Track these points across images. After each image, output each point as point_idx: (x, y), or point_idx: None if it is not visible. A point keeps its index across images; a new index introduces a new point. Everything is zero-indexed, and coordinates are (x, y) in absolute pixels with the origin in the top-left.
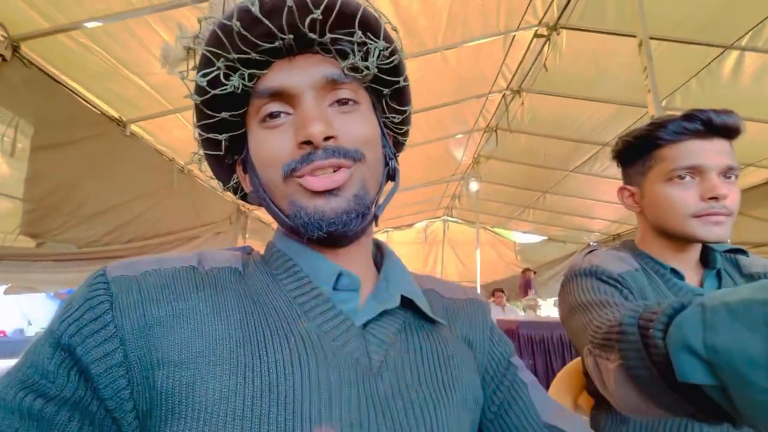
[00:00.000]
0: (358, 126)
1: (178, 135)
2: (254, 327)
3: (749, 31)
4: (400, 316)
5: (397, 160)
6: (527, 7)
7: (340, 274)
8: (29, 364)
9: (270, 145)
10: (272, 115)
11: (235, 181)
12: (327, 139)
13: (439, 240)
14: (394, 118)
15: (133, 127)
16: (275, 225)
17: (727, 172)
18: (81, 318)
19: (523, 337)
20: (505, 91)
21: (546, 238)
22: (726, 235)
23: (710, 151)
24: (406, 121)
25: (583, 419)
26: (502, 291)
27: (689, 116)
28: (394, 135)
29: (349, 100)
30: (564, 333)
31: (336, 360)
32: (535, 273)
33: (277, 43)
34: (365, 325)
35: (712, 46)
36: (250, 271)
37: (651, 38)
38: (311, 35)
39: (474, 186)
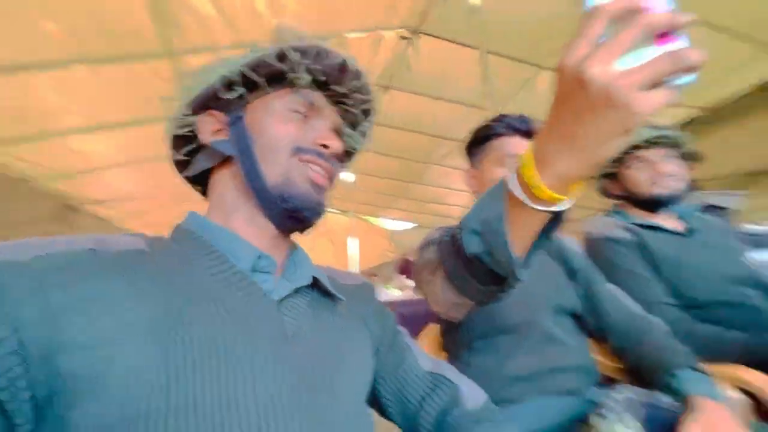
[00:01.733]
0: (344, 147)
1: None
2: (174, 304)
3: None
4: (308, 294)
5: None
6: (392, 9)
7: (259, 256)
8: None
9: (294, 126)
10: (299, 112)
11: (191, 121)
12: (335, 152)
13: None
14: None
15: None
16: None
17: None
18: None
19: (398, 314)
20: (375, 86)
21: (416, 225)
22: None
23: (522, 145)
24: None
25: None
26: (375, 275)
27: (517, 117)
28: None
29: (342, 124)
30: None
31: (257, 330)
32: (406, 256)
33: (335, 88)
34: (280, 300)
35: (532, 65)
36: (159, 252)
37: (489, 52)
38: (349, 105)
39: (349, 177)
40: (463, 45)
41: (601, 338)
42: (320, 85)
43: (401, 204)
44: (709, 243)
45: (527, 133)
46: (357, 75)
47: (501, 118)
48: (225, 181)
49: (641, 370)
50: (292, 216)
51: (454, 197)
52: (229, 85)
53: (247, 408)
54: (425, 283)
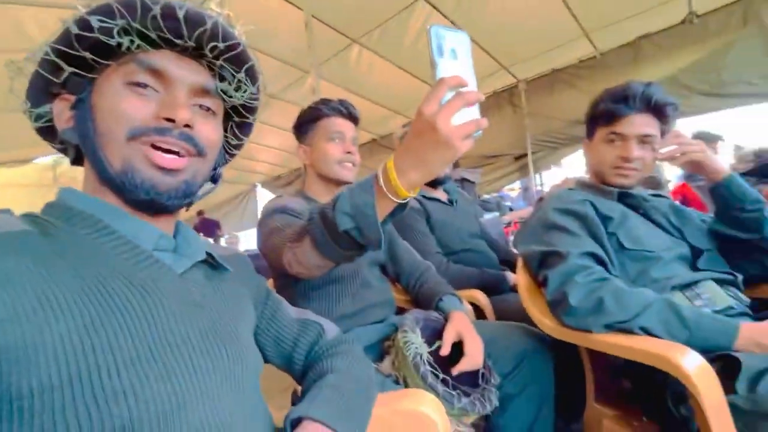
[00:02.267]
0: (211, 131)
1: None
2: (90, 279)
3: (371, 31)
4: (203, 267)
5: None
6: None
7: (160, 237)
8: None
9: (129, 104)
10: (140, 84)
11: (45, 111)
12: (186, 126)
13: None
14: (232, 140)
15: None
16: None
17: (353, 141)
18: None
19: None
20: None
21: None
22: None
23: (344, 125)
24: (239, 146)
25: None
26: None
27: (339, 102)
28: (226, 150)
29: (210, 109)
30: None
31: (170, 299)
32: (203, 213)
33: (179, 42)
34: (182, 274)
35: (347, 37)
36: (53, 234)
37: (314, 17)
38: (209, 56)
39: None
40: (292, 3)
41: (397, 279)
42: (169, 40)
43: None
44: (461, 209)
45: (349, 116)
46: (200, 22)
47: (327, 102)
48: (89, 168)
49: (421, 299)
50: (151, 205)
51: (263, 154)
52: (57, 66)
53: (171, 363)
54: (286, 247)
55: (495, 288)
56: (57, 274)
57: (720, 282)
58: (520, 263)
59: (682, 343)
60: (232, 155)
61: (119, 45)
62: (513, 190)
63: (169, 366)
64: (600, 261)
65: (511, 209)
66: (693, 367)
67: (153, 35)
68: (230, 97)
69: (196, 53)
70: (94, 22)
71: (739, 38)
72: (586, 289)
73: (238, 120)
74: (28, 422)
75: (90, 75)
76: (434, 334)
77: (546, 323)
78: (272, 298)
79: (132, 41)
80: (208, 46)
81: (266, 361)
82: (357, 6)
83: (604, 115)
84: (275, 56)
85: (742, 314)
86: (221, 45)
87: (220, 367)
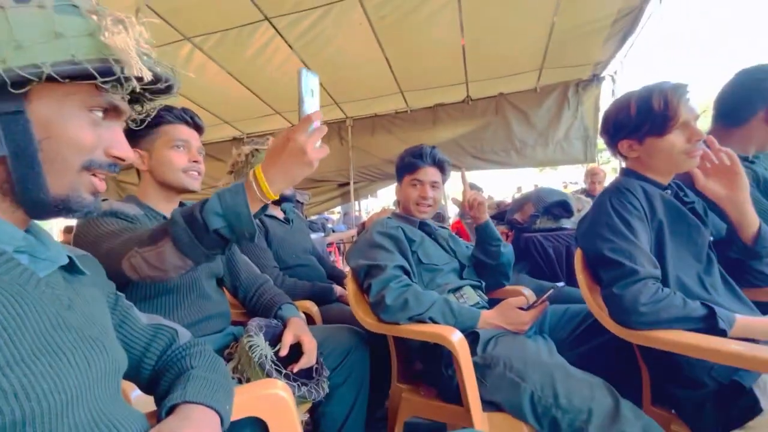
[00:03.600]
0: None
1: None
2: None
3: (210, 34)
4: (61, 270)
5: None
6: None
7: (23, 238)
8: None
9: (88, 136)
10: (97, 116)
11: None
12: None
13: None
14: None
15: None
16: None
17: (199, 150)
18: None
19: None
20: None
21: None
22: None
23: (190, 134)
24: None
25: (157, 316)
26: None
27: (183, 110)
28: None
29: None
30: None
31: (40, 304)
32: None
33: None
34: (44, 277)
35: (179, 33)
36: None
37: (148, 6)
38: (148, 98)
39: None
40: None
41: (234, 292)
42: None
43: None
44: (296, 227)
45: (194, 125)
46: (161, 79)
47: (170, 109)
48: None
49: (260, 309)
50: (62, 215)
51: None
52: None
53: (55, 363)
54: (132, 253)
55: (324, 298)
56: None
57: (474, 287)
58: (349, 275)
59: (452, 326)
60: None
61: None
62: (333, 213)
63: (54, 365)
64: (406, 272)
65: (333, 231)
66: (457, 339)
67: (124, 81)
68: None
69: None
70: (116, 70)
71: (493, 121)
72: (396, 293)
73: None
74: None
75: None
76: (274, 338)
77: (368, 321)
78: (121, 303)
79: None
80: (153, 93)
81: None
82: (198, 6)
83: (408, 166)
84: None
85: (483, 307)
86: (160, 93)
87: (98, 366)
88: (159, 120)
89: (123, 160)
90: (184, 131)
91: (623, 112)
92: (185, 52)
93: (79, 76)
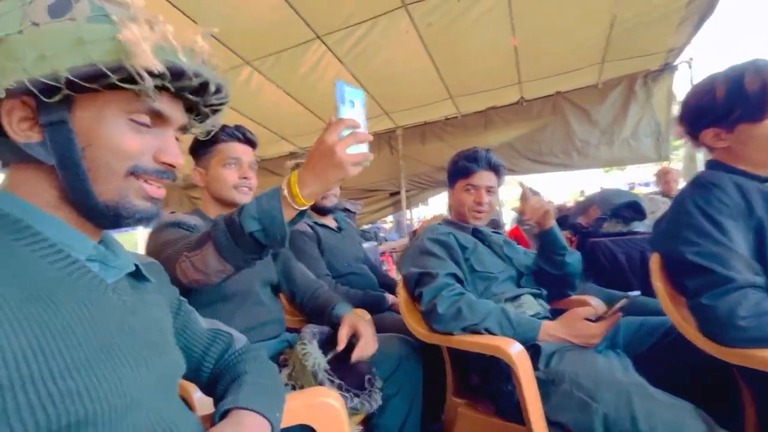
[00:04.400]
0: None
1: None
2: (32, 293)
3: (266, 56)
4: (128, 276)
5: None
6: None
7: (94, 247)
8: None
9: (132, 143)
10: (142, 123)
11: None
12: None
13: None
14: None
15: None
16: None
17: (250, 165)
18: None
19: None
20: None
21: None
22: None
23: (241, 150)
24: None
25: (215, 321)
26: None
27: (236, 127)
28: None
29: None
30: None
31: (107, 309)
32: None
33: (193, 98)
34: (112, 283)
35: (239, 57)
36: None
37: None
38: (204, 110)
39: None
40: (188, 18)
41: (291, 298)
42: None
43: None
44: (347, 236)
45: (246, 141)
46: (210, 83)
47: (224, 127)
48: (38, 181)
49: (316, 310)
50: (126, 225)
51: None
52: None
53: (118, 366)
54: (182, 258)
55: (376, 307)
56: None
57: (534, 295)
58: (400, 283)
59: (510, 337)
60: None
61: (123, 79)
62: (385, 222)
63: (116, 368)
64: (459, 280)
65: (385, 239)
66: (516, 352)
67: (172, 86)
68: (200, 131)
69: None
70: (147, 79)
71: (551, 122)
72: (449, 301)
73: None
74: None
75: (72, 93)
76: (328, 345)
77: (420, 331)
78: (184, 308)
79: (154, 87)
80: (207, 101)
81: None
82: (256, 32)
83: (461, 170)
84: None
85: (545, 317)
86: (215, 101)
87: (157, 370)
88: (214, 139)
89: (173, 166)
90: (236, 148)
91: (707, 97)
92: (245, 75)
93: (102, 78)
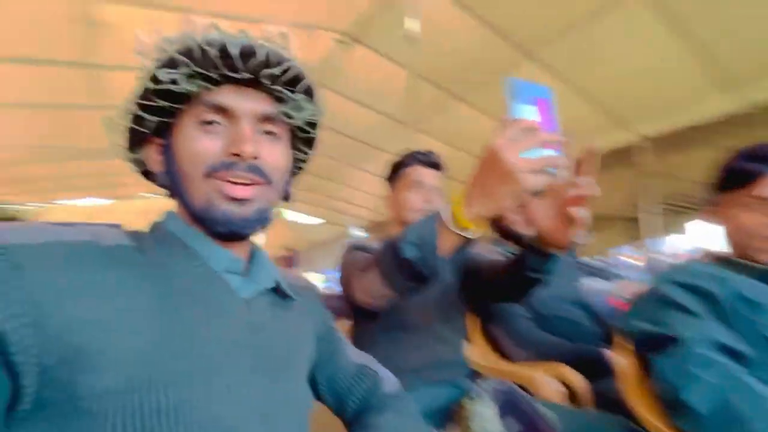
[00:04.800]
0: (278, 156)
1: None
2: (163, 295)
3: (475, 87)
4: (270, 294)
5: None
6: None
7: (231, 260)
8: None
9: (202, 144)
10: (209, 122)
11: (140, 157)
12: (253, 158)
13: None
14: (299, 155)
15: None
16: None
17: (435, 189)
18: None
19: None
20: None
21: (324, 221)
22: None
23: (425, 173)
24: (306, 160)
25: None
26: None
27: (422, 152)
28: (295, 165)
29: (275, 133)
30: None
31: (230, 321)
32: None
33: (237, 76)
34: (248, 299)
35: (449, 93)
36: (147, 250)
37: (419, 76)
38: (265, 82)
39: None
40: (396, 63)
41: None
42: (227, 76)
43: (309, 197)
44: (557, 270)
45: (433, 165)
46: (252, 53)
47: (413, 154)
48: (180, 205)
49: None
50: (229, 234)
51: (363, 199)
52: (142, 117)
53: (220, 384)
54: (356, 277)
55: (593, 368)
56: (140, 289)
57: None
58: (620, 340)
59: None
60: (301, 169)
61: (188, 91)
62: (632, 257)
63: (231, 386)
64: (733, 354)
65: (621, 279)
66: None
67: (214, 74)
68: (291, 118)
69: (254, 82)
70: (163, 75)
71: None
72: (712, 390)
73: (303, 136)
74: (88, 423)
75: (170, 120)
76: (517, 415)
77: (654, 424)
78: (335, 336)
79: (197, 85)
80: (264, 76)
81: (318, 397)
82: (462, 65)
83: (744, 176)
84: (382, 112)
85: None
86: (276, 71)
87: (276, 394)
88: (400, 163)
89: (238, 155)
90: (421, 172)
91: None
92: (454, 109)
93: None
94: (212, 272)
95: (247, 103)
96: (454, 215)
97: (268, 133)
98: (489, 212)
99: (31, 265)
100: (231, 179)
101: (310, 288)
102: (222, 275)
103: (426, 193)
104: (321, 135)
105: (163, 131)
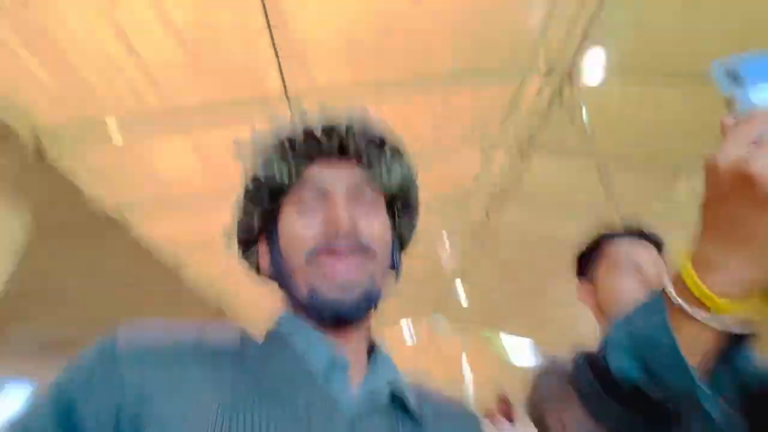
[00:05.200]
0: (375, 226)
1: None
2: (244, 397)
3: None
4: (389, 414)
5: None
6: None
7: (333, 358)
8: (28, 412)
9: (299, 227)
10: (305, 204)
11: (253, 256)
12: (349, 230)
13: None
14: (403, 224)
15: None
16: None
17: (656, 269)
18: (90, 373)
19: None
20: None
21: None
22: None
23: (639, 251)
24: (412, 228)
25: None
26: None
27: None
28: (400, 236)
29: (370, 203)
30: None
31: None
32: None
33: (323, 150)
34: (356, 415)
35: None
36: (248, 351)
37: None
38: (351, 147)
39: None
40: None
41: None
42: (330, 154)
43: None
44: None
45: (642, 234)
46: (339, 130)
47: (609, 225)
48: (285, 296)
49: None
50: (337, 321)
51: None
52: (253, 207)
53: None
54: (548, 414)
55: None
56: (220, 387)
57: None
58: None
59: None
60: (407, 239)
61: (284, 181)
62: None
63: None
64: None
65: None
66: None
67: (303, 160)
68: (384, 182)
69: (340, 150)
70: (262, 176)
71: None
72: None
73: (402, 204)
74: None
75: (273, 212)
76: None
77: None
78: None
79: (294, 176)
80: (348, 142)
81: None
82: (664, 131)
83: None
84: (580, 216)
85: None
86: (359, 135)
87: None
88: (598, 240)
89: (334, 229)
90: (631, 245)
91: None
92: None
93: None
94: (307, 372)
95: (338, 178)
96: (687, 285)
97: (364, 203)
98: (753, 272)
99: (130, 359)
100: (331, 262)
101: (465, 414)
102: (320, 376)
103: (647, 277)
104: (519, 253)
105: (270, 224)
